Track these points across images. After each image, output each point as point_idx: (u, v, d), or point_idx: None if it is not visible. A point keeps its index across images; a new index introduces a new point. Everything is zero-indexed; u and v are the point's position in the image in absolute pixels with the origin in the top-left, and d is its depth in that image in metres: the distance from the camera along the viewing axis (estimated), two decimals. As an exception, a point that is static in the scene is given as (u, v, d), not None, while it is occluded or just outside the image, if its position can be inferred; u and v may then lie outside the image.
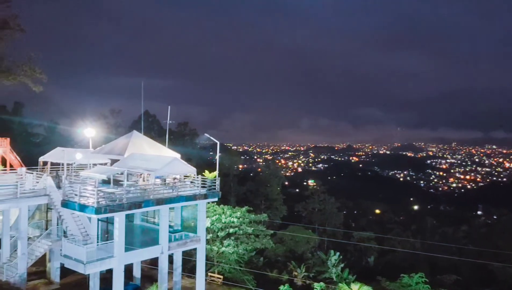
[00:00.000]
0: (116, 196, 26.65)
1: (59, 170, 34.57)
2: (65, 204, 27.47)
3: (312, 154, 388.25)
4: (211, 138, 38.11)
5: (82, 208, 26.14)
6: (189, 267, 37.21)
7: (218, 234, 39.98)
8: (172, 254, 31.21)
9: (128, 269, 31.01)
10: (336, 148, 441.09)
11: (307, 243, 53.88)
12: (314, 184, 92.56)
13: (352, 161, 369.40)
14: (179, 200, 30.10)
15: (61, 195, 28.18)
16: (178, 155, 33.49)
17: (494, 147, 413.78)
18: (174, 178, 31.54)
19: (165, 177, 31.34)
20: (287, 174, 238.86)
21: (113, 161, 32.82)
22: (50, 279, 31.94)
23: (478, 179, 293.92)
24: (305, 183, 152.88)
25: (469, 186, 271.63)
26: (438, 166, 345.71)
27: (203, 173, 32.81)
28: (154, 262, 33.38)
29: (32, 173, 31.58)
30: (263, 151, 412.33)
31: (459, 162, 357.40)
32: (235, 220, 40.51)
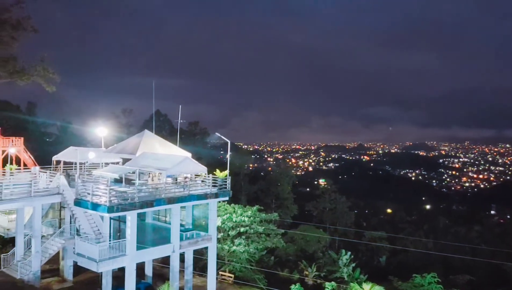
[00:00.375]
0: (128, 195, 26.83)
1: (71, 169, 34.98)
2: (78, 202, 27.75)
3: (323, 153, 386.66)
4: (222, 137, 38.21)
5: (95, 206, 26.37)
6: (200, 266, 37.35)
7: (229, 233, 40.07)
8: (184, 252, 31.32)
9: (140, 268, 31.22)
10: (347, 147, 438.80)
11: (318, 243, 53.76)
12: (325, 183, 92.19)
13: (363, 160, 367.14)
14: (190, 199, 30.21)
15: (74, 193, 28.45)
16: (189, 154, 33.60)
17: (507, 146, 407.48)
18: (185, 177, 31.67)
19: (177, 176, 31.45)
20: (298, 173, 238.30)
21: (125, 160, 33.09)
22: (64, 277, 32.25)
23: (491, 179, 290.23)
24: (316, 182, 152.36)
25: (482, 186, 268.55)
26: (450, 165, 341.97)
27: (214, 172, 32.87)
28: (165, 260, 33.54)
29: (46, 172, 31.94)
30: (274, 150, 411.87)
31: (472, 161, 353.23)
32: (246, 219, 40.56)
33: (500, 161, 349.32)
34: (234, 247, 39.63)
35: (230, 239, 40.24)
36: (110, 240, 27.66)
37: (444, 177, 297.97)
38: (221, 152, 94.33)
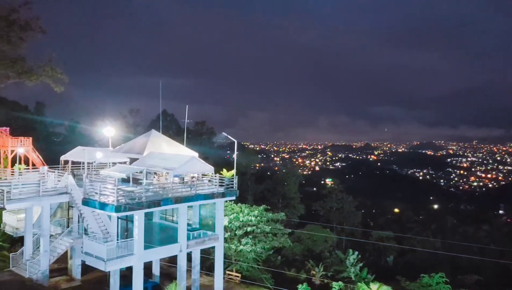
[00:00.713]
0: (136, 195, 26.94)
1: (79, 168, 35.20)
2: (86, 202, 27.89)
3: (329, 153, 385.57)
4: (229, 136, 38.21)
5: (102, 206, 26.49)
6: (207, 265, 37.43)
7: (236, 232, 40.09)
8: (191, 252, 31.38)
9: (147, 267, 31.32)
10: (353, 147, 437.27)
11: (325, 242, 53.66)
12: (332, 182, 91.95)
13: (370, 159, 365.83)
14: (197, 199, 30.26)
15: (82, 193, 28.62)
16: (196, 154, 33.67)
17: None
18: (192, 177, 31.73)
19: (184, 175, 31.53)
20: (305, 172, 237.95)
21: (132, 160, 33.22)
22: (72, 276, 32.44)
23: (499, 178, 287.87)
24: (322, 182, 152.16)
25: (490, 185, 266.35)
26: (458, 164, 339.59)
27: (221, 172, 32.90)
28: (172, 260, 33.63)
29: (54, 172, 32.15)
30: (280, 149, 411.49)
31: (480, 160, 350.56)
32: (253, 218, 40.56)
33: (508, 160, 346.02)
34: (241, 247, 39.65)
35: (237, 238, 40.26)
36: (117, 240, 27.78)
37: (452, 177, 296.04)
38: (228, 151, 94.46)
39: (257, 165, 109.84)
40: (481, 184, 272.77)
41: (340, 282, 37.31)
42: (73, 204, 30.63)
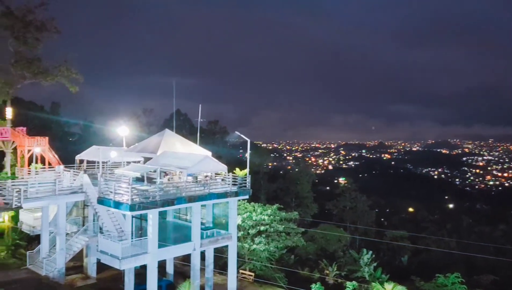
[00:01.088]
0: (150, 194, 27.14)
1: (94, 168, 35.58)
2: (101, 201, 28.17)
3: (342, 152, 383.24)
4: (242, 135, 38.22)
5: (117, 205, 26.73)
6: (220, 264, 37.53)
7: (249, 231, 40.11)
8: (204, 251, 31.51)
9: (161, 265, 31.56)
10: (367, 145, 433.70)
11: (338, 242, 53.41)
12: (345, 181, 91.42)
13: (384, 158, 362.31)
14: (211, 198, 30.38)
15: (97, 192, 28.93)
16: (209, 153, 33.78)
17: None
18: (206, 176, 31.84)
19: (197, 174, 31.66)
20: (318, 171, 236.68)
21: (146, 159, 33.46)
22: (87, 274, 32.84)
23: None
24: (335, 181, 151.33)
25: (507, 184, 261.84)
26: (474, 163, 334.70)
27: (234, 171, 32.95)
28: (186, 258, 33.83)
29: (70, 171, 32.56)
30: (293, 148, 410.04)
31: (496, 159, 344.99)
32: (266, 217, 40.55)
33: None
34: (254, 246, 39.68)
35: (250, 237, 40.30)
36: (132, 238, 28.04)
37: (467, 176, 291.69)
38: (241, 150, 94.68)
39: (270, 164, 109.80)
40: (497, 183, 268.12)
41: (354, 282, 37.09)
42: (88, 203, 31.00)
